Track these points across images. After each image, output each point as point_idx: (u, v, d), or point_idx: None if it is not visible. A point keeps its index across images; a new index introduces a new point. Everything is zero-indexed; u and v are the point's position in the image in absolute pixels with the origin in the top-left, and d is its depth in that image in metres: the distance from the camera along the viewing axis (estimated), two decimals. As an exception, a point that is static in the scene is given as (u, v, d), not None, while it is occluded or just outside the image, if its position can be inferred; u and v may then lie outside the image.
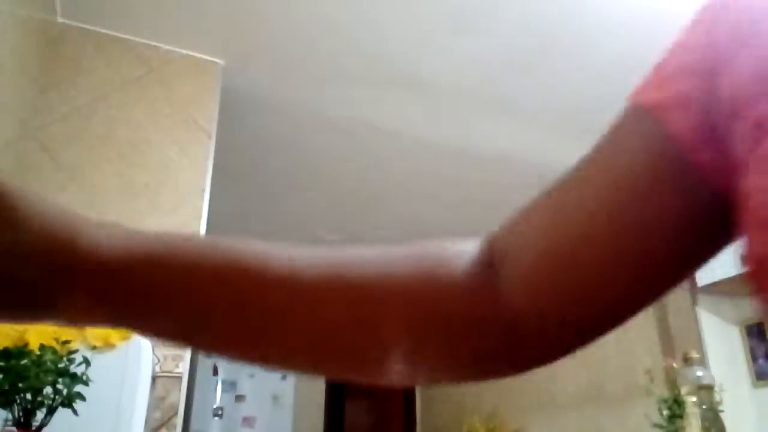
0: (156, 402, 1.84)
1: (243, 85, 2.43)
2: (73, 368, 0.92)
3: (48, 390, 0.89)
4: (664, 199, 0.30)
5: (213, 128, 2.22)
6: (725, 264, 2.52)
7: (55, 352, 0.92)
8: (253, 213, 3.80)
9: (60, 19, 2.07)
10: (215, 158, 2.21)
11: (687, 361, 2.04)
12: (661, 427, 2.08)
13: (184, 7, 2.06)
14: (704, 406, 1.93)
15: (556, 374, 3.89)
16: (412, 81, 2.37)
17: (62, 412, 0.90)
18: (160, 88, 2.17)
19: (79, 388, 0.91)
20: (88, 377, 0.93)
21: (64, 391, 0.90)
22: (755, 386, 2.86)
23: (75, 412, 0.90)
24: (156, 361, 1.84)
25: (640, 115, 0.32)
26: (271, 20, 2.11)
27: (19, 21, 1.60)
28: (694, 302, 2.99)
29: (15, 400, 0.87)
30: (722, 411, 1.95)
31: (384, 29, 2.15)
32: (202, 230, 2.08)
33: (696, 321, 2.99)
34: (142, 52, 2.18)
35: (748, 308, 2.92)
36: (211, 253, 0.32)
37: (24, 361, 0.88)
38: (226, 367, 4.45)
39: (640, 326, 3.24)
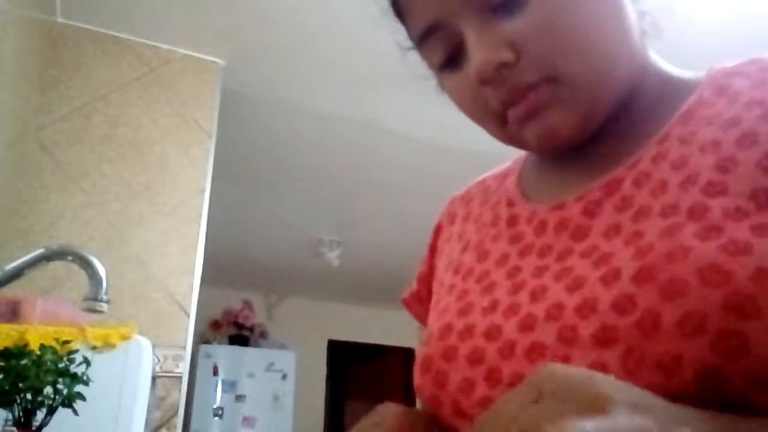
0: (156, 402, 1.84)
1: (243, 85, 2.42)
2: (73, 368, 0.92)
3: (48, 390, 0.89)
4: None
5: (213, 128, 2.22)
6: None
7: (55, 352, 0.92)
8: (253, 213, 3.79)
9: (60, 19, 2.07)
10: (215, 158, 2.21)
11: None
12: None
13: (185, 6, 2.05)
14: None
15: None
16: (412, 81, 2.35)
17: (62, 412, 0.90)
18: (161, 88, 2.16)
19: (79, 388, 0.91)
20: (88, 377, 0.93)
21: (65, 391, 0.90)
22: None
23: (75, 412, 0.90)
24: (156, 360, 1.83)
25: None
26: (272, 20, 2.11)
27: (19, 21, 1.59)
28: None
29: (15, 400, 0.87)
30: None
31: (384, 28, 2.15)
32: (202, 231, 2.08)
33: None
34: (142, 51, 2.17)
35: None
36: None
37: (24, 361, 0.87)
38: (227, 367, 4.44)
39: None
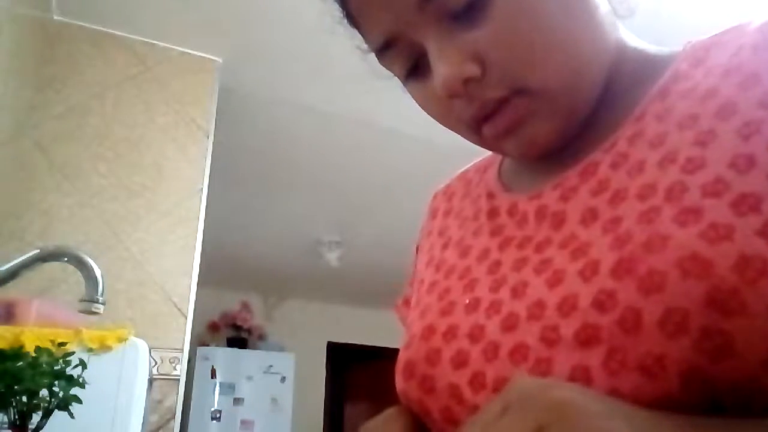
0: (153, 405, 1.82)
1: (241, 84, 2.41)
2: (69, 370, 0.91)
3: (44, 393, 0.87)
4: None
5: (211, 127, 2.20)
6: None
7: (50, 354, 0.90)
8: (252, 213, 3.78)
9: (56, 17, 2.05)
10: (213, 158, 2.19)
11: None
12: None
13: (182, 4, 2.04)
14: None
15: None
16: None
17: (58, 415, 0.89)
18: (157, 87, 2.15)
19: (75, 390, 0.90)
20: (84, 380, 0.91)
21: (60, 394, 0.88)
22: None
23: (71, 415, 0.89)
24: (153, 363, 1.82)
25: None
26: (270, 17, 2.10)
27: (15, 18, 1.58)
28: None
29: (11, 403, 0.85)
30: None
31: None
32: (200, 231, 2.07)
33: None
34: (138, 49, 2.16)
35: None
36: None
37: (19, 364, 0.86)
38: (224, 370, 4.42)
39: None
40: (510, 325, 0.38)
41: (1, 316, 1.16)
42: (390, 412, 0.45)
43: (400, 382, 0.44)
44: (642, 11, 0.46)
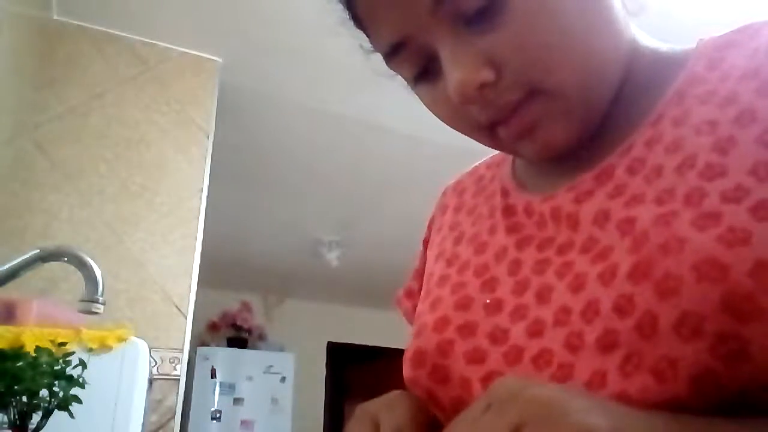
0: (153, 405, 1.82)
1: (241, 83, 2.41)
2: (69, 370, 0.91)
3: (44, 393, 0.87)
4: None
5: (211, 127, 2.21)
6: None
7: (50, 354, 0.90)
8: (252, 213, 3.78)
9: (56, 17, 2.05)
10: (213, 158, 2.19)
11: None
12: None
13: (182, 4, 2.04)
14: None
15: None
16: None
17: (58, 415, 0.89)
18: (158, 87, 2.15)
19: (75, 390, 0.90)
20: (84, 380, 0.91)
21: (60, 394, 0.88)
22: None
23: (71, 414, 0.89)
24: (153, 363, 1.82)
25: None
26: (270, 17, 2.10)
27: (15, 19, 1.58)
28: None
29: (11, 403, 0.85)
30: None
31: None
32: (200, 231, 2.07)
33: None
34: (138, 49, 2.16)
35: None
36: None
37: (19, 364, 0.86)
38: (225, 370, 4.42)
39: None
40: (536, 330, 0.38)
41: (1, 316, 1.16)
42: (393, 395, 0.43)
43: (408, 371, 0.44)
44: (652, 11, 0.46)
